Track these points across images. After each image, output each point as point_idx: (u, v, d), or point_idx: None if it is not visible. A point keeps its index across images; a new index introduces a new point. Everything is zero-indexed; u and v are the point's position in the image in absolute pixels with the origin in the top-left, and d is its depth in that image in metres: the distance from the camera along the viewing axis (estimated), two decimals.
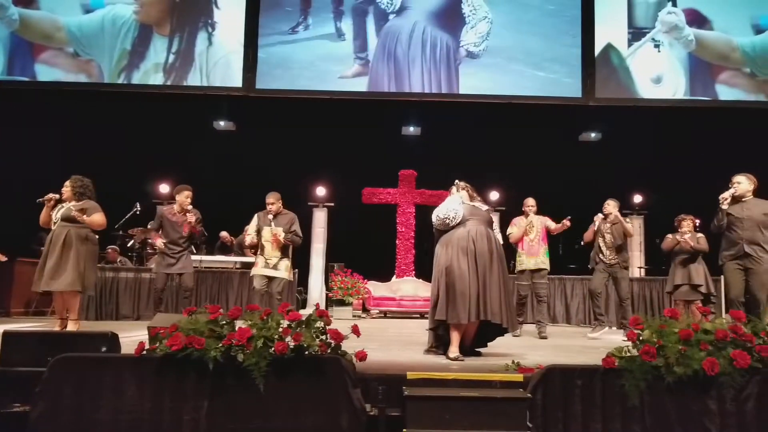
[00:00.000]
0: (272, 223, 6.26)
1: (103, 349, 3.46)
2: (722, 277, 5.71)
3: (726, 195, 5.27)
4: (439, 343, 4.65)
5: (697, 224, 7.39)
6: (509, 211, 9.64)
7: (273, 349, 3.10)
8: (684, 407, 3.13)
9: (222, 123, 10.93)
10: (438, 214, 4.65)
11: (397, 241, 11.26)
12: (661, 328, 3.22)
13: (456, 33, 9.88)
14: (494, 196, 11.05)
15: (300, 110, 10.17)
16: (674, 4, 9.76)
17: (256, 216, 6.43)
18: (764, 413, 3.12)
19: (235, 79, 9.53)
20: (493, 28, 9.81)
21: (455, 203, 4.66)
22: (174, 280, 6.75)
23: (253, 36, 9.55)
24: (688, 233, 6.99)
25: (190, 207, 6.58)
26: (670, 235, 7.18)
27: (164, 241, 6.52)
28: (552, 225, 6.95)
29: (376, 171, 11.19)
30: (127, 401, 3.07)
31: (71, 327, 5.51)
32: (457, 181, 4.91)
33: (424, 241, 10.09)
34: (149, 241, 9.38)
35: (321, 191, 11.15)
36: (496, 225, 4.96)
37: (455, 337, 4.39)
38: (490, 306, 4.34)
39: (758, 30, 9.65)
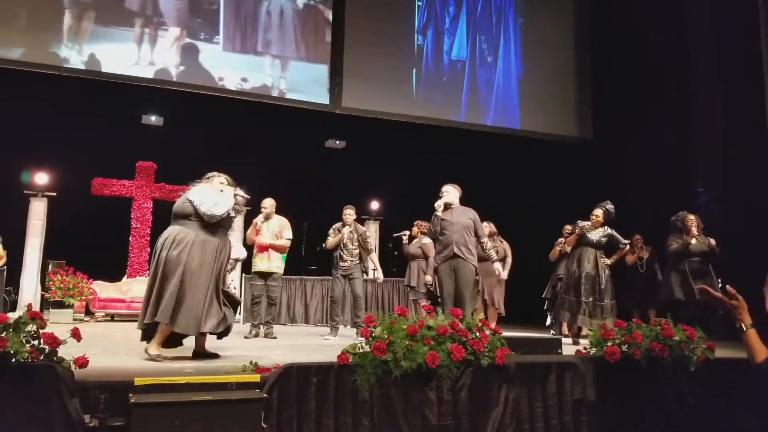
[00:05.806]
0: None
1: None
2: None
3: (440, 203, 5.80)
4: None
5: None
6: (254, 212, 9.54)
7: None
8: (408, 399, 3.37)
9: None
10: (220, 208, 4.23)
11: (130, 238, 10.44)
12: (391, 325, 3.43)
13: None
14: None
15: (20, 83, 8.87)
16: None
17: None
18: (475, 401, 3.51)
19: None
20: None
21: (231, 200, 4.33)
22: None
23: None
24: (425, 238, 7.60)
25: None
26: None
27: None
28: (285, 236, 6.75)
29: (109, 160, 10.20)
30: None
31: None
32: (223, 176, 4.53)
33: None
34: None
35: (42, 178, 9.85)
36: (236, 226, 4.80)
37: (161, 335, 4.12)
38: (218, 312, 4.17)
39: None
